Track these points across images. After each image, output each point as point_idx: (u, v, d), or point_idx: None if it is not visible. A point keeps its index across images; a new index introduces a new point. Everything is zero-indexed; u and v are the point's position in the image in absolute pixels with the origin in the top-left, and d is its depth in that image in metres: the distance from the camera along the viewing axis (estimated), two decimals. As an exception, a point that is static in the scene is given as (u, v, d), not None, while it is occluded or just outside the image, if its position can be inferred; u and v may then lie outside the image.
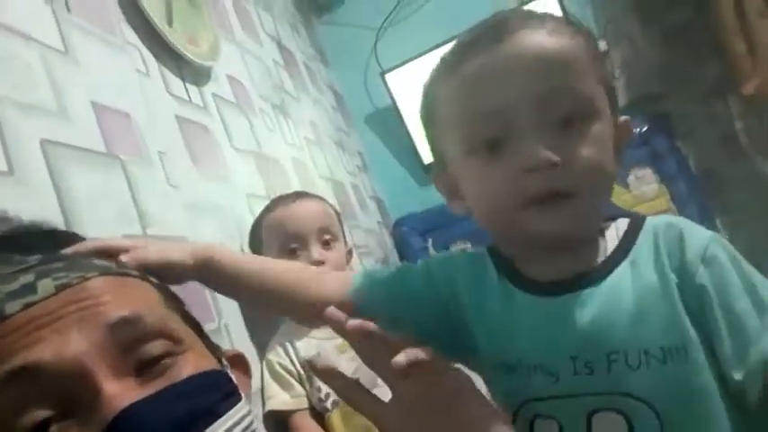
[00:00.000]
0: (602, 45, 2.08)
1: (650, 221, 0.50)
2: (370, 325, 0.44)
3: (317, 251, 0.97)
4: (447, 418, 0.42)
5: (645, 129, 2.02)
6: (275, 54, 1.75)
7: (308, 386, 0.91)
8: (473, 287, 0.53)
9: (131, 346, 0.35)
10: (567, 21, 0.50)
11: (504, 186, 0.47)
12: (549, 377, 0.47)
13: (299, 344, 0.95)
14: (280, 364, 0.93)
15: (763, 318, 0.43)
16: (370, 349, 0.46)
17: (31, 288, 0.35)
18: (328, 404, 0.90)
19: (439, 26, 2.13)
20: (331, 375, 0.47)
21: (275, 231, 0.99)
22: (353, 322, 0.44)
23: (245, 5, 1.64)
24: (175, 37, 1.07)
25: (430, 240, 2.10)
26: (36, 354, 0.32)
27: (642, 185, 2.05)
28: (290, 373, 0.92)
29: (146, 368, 0.35)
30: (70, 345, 0.33)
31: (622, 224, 0.51)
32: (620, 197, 2.00)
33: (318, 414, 0.91)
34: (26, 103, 0.68)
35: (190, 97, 1.10)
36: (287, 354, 0.94)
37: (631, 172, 2.04)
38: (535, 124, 0.45)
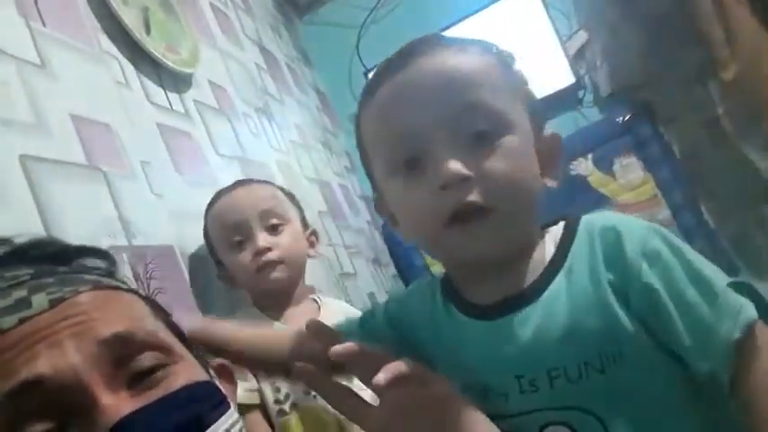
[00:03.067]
0: (583, 35, 2.09)
1: (585, 223, 0.49)
2: (356, 345, 0.45)
3: (262, 238, 0.89)
4: (432, 424, 0.43)
5: (628, 117, 2.04)
6: (257, 57, 1.75)
7: (265, 383, 0.83)
8: (429, 323, 0.54)
9: (124, 359, 0.36)
10: (477, 41, 0.51)
11: (425, 205, 0.47)
12: (499, 397, 0.48)
13: None
14: None
15: (715, 304, 0.42)
16: (356, 363, 0.47)
17: (25, 303, 0.35)
18: (287, 406, 0.83)
19: (421, 23, 2.14)
20: (319, 380, 0.48)
21: (217, 225, 0.92)
22: (339, 347, 0.45)
23: (225, 10, 1.64)
24: (154, 45, 1.07)
25: (420, 237, 2.11)
26: (35, 368, 0.33)
27: (628, 173, 2.06)
28: None
29: (139, 380, 0.36)
30: (67, 358, 0.34)
31: (558, 230, 0.50)
32: (607, 186, 2.02)
33: (264, 413, 0.83)
34: (3, 118, 0.68)
35: (171, 105, 1.10)
36: None
37: (616, 160, 2.06)
38: (447, 142, 0.46)
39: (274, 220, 0.92)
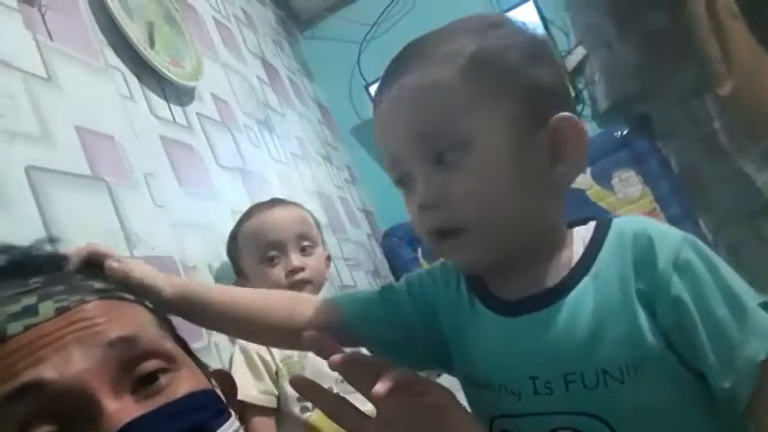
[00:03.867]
0: (581, 51, 2.11)
1: (616, 226, 0.48)
2: (355, 355, 0.45)
3: (296, 258, 0.96)
4: None
5: (626, 131, 2.05)
6: (259, 71, 1.77)
7: (284, 384, 0.87)
8: (452, 311, 0.53)
9: (129, 364, 0.37)
10: (457, 37, 0.48)
11: (417, 222, 0.48)
12: (512, 396, 0.47)
13: None
14: (258, 355, 0.89)
15: (745, 323, 0.41)
16: (354, 372, 0.46)
17: (32, 310, 0.36)
18: (310, 404, 0.86)
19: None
20: (315, 392, 0.48)
21: (253, 240, 0.97)
22: (337, 358, 0.44)
23: (227, 24, 1.66)
24: (158, 59, 1.09)
25: (419, 250, 2.12)
26: (39, 372, 0.33)
27: (626, 187, 2.08)
28: (266, 365, 0.88)
29: (142, 386, 0.37)
30: (72, 363, 0.34)
31: (587, 232, 0.49)
32: (606, 200, 2.03)
33: (282, 415, 0.87)
34: (10, 130, 0.69)
35: (174, 117, 1.11)
36: (268, 348, 0.90)
37: (615, 174, 2.07)
38: (418, 165, 0.46)
39: (306, 243, 1.00)
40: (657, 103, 2.09)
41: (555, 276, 0.48)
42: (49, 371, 0.34)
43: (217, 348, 0.89)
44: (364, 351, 0.54)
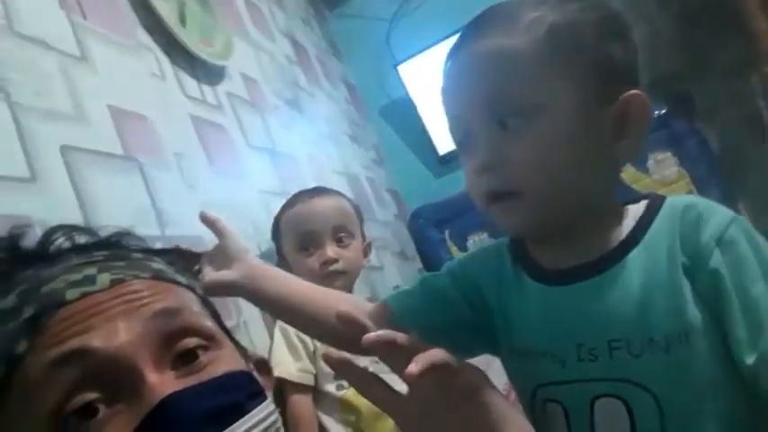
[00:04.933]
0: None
1: (669, 203, 0.49)
2: (389, 334, 0.44)
3: (330, 249, 0.99)
4: (463, 416, 0.43)
5: (664, 111, 1.98)
6: (288, 50, 1.76)
7: (321, 363, 0.91)
8: (494, 283, 0.55)
9: (170, 339, 0.38)
10: (537, 8, 0.48)
11: (472, 184, 0.50)
12: (556, 363, 0.49)
13: None
14: (297, 335, 0.92)
15: None
16: (388, 352, 0.45)
17: (91, 280, 0.38)
18: (345, 382, 0.88)
19: (452, 15, 2.11)
20: (347, 368, 0.48)
21: (291, 228, 1.01)
22: (371, 336, 0.43)
23: (257, 3, 1.65)
24: (189, 37, 1.09)
25: (447, 231, 2.10)
26: (86, 340, 0.35)
27: (662, 169, 2.01)
28: (304, 345, 0.92)
29: (182, 363, 0.38)
30: (117, 335, 0.36)
31: (639, 208, 0.50)
32: (640, 182, 1.97)
33: (319, 392, 0.91)
34: (46, 109, 0.70)
35: (204, 97, 1.12)
36: None
37: (651, 156, 2.01)
38: (482, 127, 0.48)
39: (343, 234, 1.02)
40: (699, 81, 2.02)
41: (604, 248, 0.49)
42: (95, 340, 0.35)
43: (246, 327, 0.91)
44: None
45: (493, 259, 0.56)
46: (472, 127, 0.49)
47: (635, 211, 0.50)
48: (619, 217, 0.50)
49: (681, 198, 0.49)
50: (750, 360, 0.42)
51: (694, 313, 0.44)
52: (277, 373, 0.88)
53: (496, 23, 0.49)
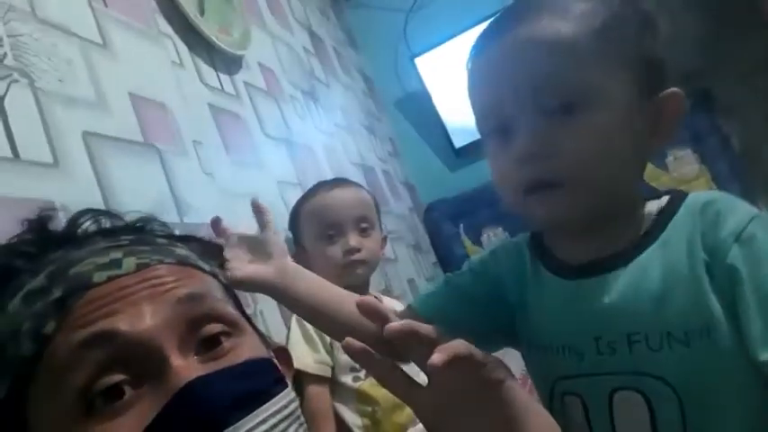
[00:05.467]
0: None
1: (691, 198, 0.49)
2: (411, 323, 0.43)
3: (353, 238, 0.99)
4: (484, 407, 0.42)
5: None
6: (305, 40, 1.76)
7: (338, 355, 0.92)
8: (514, 278, 0.55)
9: (195, 325, 0.38)
10: (592, 6, 0.48)
11: (507, 173, 0.49)
12: (575, 356, 0.49)
13: None
14: (314, 328, 0.93)
15: None
16: (410, 341, 0.45)
17: (117, 263, 0.39)
18: (362, 373, 0.91)
19: (469, 8, 2.09)
20: (366, 357, 0.48)
21: (313, 218, 1.01)
22: (395, 325, 0.42)
23: (275, -8, 1.65)
24: (207, 26, 1.09)
25: (461, 225, 2.09)
26: (114, 323, 0.35)
27: (681, 166, 1.98)
28: (321, 337, 0.93)
29: (207, 348, 0.38)
30: (143, 318, 0.36)
31: (661, 203, 0.50)
32: (658, 179, 1.94)
33: (336, 384, 0.92)
34: (68, 96, 0.71)
35: (222, 86, 1.12)
36: None
37: (670, 153, 1.98)
38: (526, 115, 0.47)
39: (365, 225, 1.02)
40: (721, 77, 1.98)
41: (624, 242, 0.49)
42: (121, 323, 0.36)
43: (262, 316, 0.91)
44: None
45: (513, 255, 0.57)
46: (513, 114, 0.47)
47: (656, 206, 0.50)
48: (641, 211, 0.50)
49: (702, 194, 0.49)
50: (765, 356, 0.42)
51: (716, 308, 0.44)
52: (294, 365, 0.88)
53: (546, 10, 0.48)
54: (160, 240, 0.44)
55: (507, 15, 0.50)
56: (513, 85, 0.47)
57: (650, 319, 0.46)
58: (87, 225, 0.44)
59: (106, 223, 0.45)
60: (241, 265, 0.57)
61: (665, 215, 0.49)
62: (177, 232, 0.76)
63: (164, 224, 0.48)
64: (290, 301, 0.59)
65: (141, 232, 0.45)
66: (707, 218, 0.46)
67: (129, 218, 0.46)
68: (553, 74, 0.46)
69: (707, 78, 1.99)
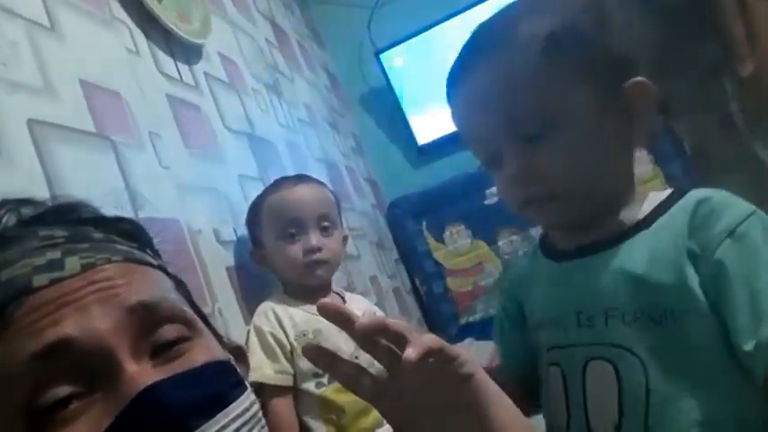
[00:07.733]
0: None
1: (692, 195, 0.51)
2: (381, 319, 0.42)
3: (315, 237, 0.97)
4: (454, 405, 0.42)
5: (640, 110, 2.01)
6: (268, 33, 1.72)
7: (299, 362, 0.89)
8: (524, 280, 0.61)
9: (149, 329, 0.36)
10: (533, 29, 0.50)
11: (506, 191, 0.55)
12: (560, 329, 0.54)
13: (292, 311, 0.93)
14: (272, 335, 0.90)
15: None
16: (378, 337, 0.43)
17: (58, 264, 0.35)
18: (325, 379, 0.89)
19: (434, 4, 2.10)
20: (330, 360, 0.46)
21: (275, 214, 0.98)
22: (365, 320, 0.40)
23: (237, -18, 1.60)
24: (165, 13, 1.04)
25: (424, 222, 2.10)
26: (63, 329, 0.33)
27: (637, 167, 2.04)
28: (280, 345, 0.89)
29: (161, 352, 0.36)
30: (93, 322, 0.34)
31: (662, 195, 0.53)
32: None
33: (298, 391, 0.89)
34: (12, 80, 0.66)
35: (181, 76, 1.08)
36: (281, 325, 0.91)
37: (626, 154, 2.03)
38: (508, 144, 0.51)
39: (327, 223, 1.00)
40: (673, 81, 2.04)
41: (617, 229, 0.53)
42: (73, 329, 0.33)
43: (221, 314, 0.88)
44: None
45: (529, 253, 0.63)
46: (495, 145, 0.52)
47: (656, 197, 0.53)
48: (636, 200, 0.54)
49: (701, 191, 0.51)
50: (748, 346, 0.44)
51: (692, 296, 0.47)
52: (253, 377, 0.85)
53: (495, 44, 0.51)
54: (96, 235, 0.40)
55: (465, 52, 0.54)
56: (488, 123, 0.52)
57: (629, 296, 0.49)
58: (7, 218, 0.39)
59: (29, 214, 0.40)
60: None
61: (662, 207, 0.52)
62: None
63: (93, 208, 0.44)
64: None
65: (72, 224, 0.41)
66: (699, 214, 0.48)
67: (50, 203, 0.42)
68: (516, 104, 0.49)
69: (660, 82, 2.06)
